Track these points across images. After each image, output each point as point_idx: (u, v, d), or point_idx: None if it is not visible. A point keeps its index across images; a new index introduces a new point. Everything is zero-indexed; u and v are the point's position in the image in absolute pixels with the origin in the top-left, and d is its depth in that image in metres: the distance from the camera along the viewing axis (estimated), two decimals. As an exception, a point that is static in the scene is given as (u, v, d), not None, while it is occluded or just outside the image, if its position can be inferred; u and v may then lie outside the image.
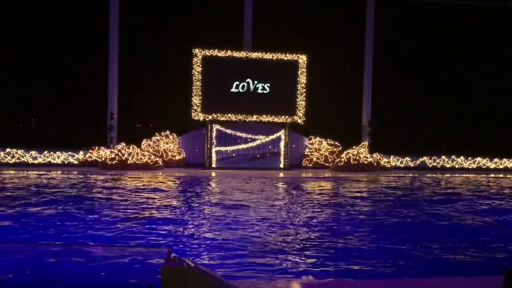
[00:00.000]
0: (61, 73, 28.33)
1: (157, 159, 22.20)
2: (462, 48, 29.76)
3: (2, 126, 27.67)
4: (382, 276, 6.26)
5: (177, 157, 23.34)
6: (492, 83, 29.65)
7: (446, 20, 28.93)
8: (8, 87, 28.04)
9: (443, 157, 26.04)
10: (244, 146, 23.05)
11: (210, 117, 22.52)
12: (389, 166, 24.67)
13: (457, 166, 26.06)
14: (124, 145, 22.07)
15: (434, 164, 25.97)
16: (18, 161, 21.70)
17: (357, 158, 23.75)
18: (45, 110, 30.51)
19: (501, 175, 23.60)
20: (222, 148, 22.87)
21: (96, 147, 22.38)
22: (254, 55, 22.78)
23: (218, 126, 22.79)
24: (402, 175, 22.55)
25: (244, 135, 22.97)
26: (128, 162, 21.50)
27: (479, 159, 26.32)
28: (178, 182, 17.87)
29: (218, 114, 22.53)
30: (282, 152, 23.42)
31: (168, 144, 23.38)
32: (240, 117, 22.65)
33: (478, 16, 27.89)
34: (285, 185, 17.91)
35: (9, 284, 1.85)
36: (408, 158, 25.71)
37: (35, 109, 31.62)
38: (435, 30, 29.73)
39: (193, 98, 22.33)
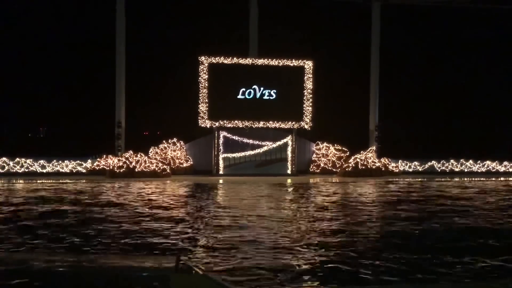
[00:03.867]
0: (69, 82, 28.62)
1: (165, 166, 22.25)
2: (470, 51, 29.65)
3: (11, 136, 27.93)
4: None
5: (185, 165, 23.39)
6: (502, 86, 29.48)
7: (453, 24, 28.87)
8: (17, 97, 28.34)
9: (451, 161, 25.84)
10: (251, 152, 23.05)
11: (217, 124, 22.56)
12: (397, 171, 24.54)
13: (466, 170, 25.85)
14: (132, 153, 22.16)
15: (443, 168, 25.78)
16: (27, 170, 21.84)
17: (365, 163, 23.65)
18: (53, 119, 30.80)
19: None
20: (229, 155, 22.88)
21: (104, 156, 22.47)
22: (260, 61, 22.82)
23: (225, 133, 22.82)
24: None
25: (251, 141, 22.98)
26: (136, 170, 21.58)
27: (488, 162, 26.08)
28: (187, 190, 17.88)
29: (225, 121, 22.57)
30: (289, 158, 23.37)
31: (175, 151, 23.45)
32: (246, 123, 22.67)
33: (487, 19, 27.77)
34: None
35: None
36: (416, 163, 25.53)
37: (44, 119, 31.94)
38: (441, 34, 29.68)
39: (199, 105, 22.40)
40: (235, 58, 22.63)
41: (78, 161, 22.54)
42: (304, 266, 6.90)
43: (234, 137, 22.87)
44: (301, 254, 7.57)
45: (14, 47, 27.57)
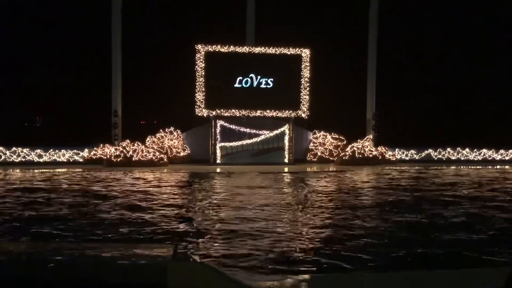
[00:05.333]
0: (65, 71, 28.42)
1: (162, 155, 22.24)
2: (468, 38, 29.55)
3: (7, 125, 27.80)
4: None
5: (182, 154, 23.39)
6: (500, 74, 29.45)
7: (452, 10, 28.71)
8: (13, 86, 28.16)
9: (448, 149, 25.93)
10: (249, 141, 23.05)
11: (214, 113, 22.51)
12: (394, 159, 24.61)
13: (462, 158, 25.96)
14: (129, 142, 22.12)
15: (440, 156, 25.87)
16: (23, 159, 21.80)
17: (361, 151, 23.70)
18: (50, 108, 30.65)
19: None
20: (227, 144, 22.88)
21: (101, 145, 22.44)
22: (257, 49, 22.70)
23: (222, 122, 22.79)
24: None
25: (248, 130, 22.96)
26: (133, 159, 21.56)
27: (484, 150, 26.19)
28: (184, 178, 17.89)
29: (222, 110, 22.51)
30: (286, 147, 23.39)
31: (172, 140, 23.42)
32: (244, 112, 22.62)
33: (486, 5, 27.63)
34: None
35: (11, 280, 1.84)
36: (413, 151, 25.62)
37: (40, 108, 31.78)
38: (439, 22, 29.53)
39: (196, 94, 22.31)
40: (232, 47, 22.49)
41: (75, 150, 22.50)
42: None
43: (231, 126, 22.84)
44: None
45: (11, 37, 27.31)
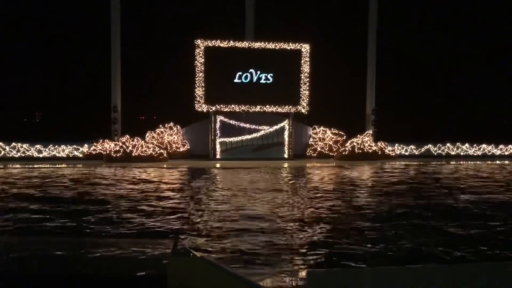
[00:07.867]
0: (64, 67, 28.37)
1: (162, 151, 22.23)
2: (468, 33, 29.46)
3: (7, 121, 27.76)
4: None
5: (181, 149, 23.38)
6: (499, 69, 29.41)
7: (451, 5, 28.61)
8: (12, 81, 28.12)
9: (448, 144, 25.93)
10: (248, 136, 23.02)
11: (213, 108, 22.47)
12: (393, 154, 24.62)
13: (462, 154, 25.96)
14: (128, 137, 22.10)
15: (439, 151, 25.87)
16: (23, 155, 21.79)
17: (361, 147, 23.69)
18: (49, 104, 30.62)
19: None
20: (226, 139, 22.86)
21: (101, 140, 22.41)
22: (257, 45, 22.61)
23: (221, 117, 22.75)
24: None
25: (248, 125, 22.93)
26: (133, 154, 21.54)
27: (484, 145, 26.19)
28: (185, 174, 17.91)
29: (222, 105, 22.47)
30: (286, 142, 23.37)
31: (172, 136, 23.41)
32: (243, 108, 22.59)
33: (487, 2, 27.57)
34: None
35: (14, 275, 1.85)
36: (412, 146, 25.62)
37: (39, 103, 31.75)
38: (438, 17, 29.44)
39: (196, 90, 22.26)
40: (231, 42, 22.41)
41: (75, 146, 22.48)
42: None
43: (231, 122, 22.80)
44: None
45: (10, 32, 27.22)
